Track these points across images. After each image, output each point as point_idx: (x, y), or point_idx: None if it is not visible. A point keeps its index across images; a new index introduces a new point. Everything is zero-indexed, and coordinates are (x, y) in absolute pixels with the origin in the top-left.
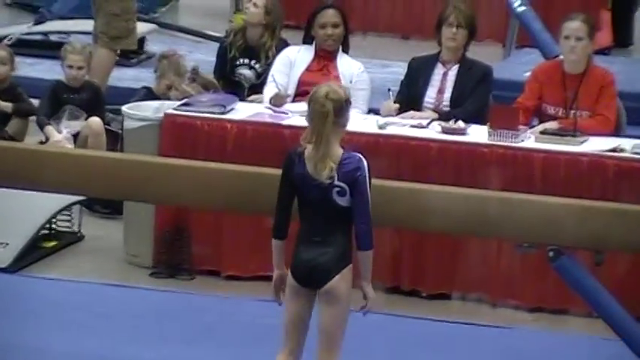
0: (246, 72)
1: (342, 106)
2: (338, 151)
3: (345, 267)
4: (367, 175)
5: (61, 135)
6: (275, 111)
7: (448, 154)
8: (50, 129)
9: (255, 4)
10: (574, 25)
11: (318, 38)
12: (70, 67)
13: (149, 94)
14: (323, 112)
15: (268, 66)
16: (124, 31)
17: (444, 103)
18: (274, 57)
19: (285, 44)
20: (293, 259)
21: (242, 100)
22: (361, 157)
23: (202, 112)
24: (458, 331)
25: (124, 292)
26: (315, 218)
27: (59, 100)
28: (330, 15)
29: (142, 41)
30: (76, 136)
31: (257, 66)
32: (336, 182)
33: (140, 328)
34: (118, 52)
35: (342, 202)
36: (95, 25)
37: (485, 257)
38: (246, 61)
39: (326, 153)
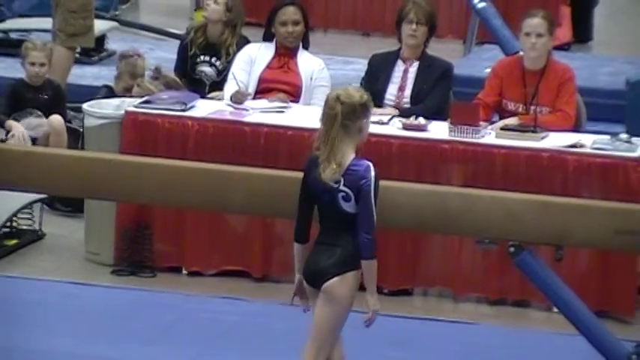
0: (206, 69)
1: (353, 110)
2: (348, 156)
3: (349, 271)
4: (373, 184)
5: (22, 128)
6: (236, 108)
7: (409, 151)
8: (10, 122)
9: (215, 1)
10: (534, 22)
11: (278, 35)
12: (32, 64)
13: (110, 93)
14: (331, 115)
15: (229, 63)
16: (81, 28)
17: (404, 100)
18: (235, 54)
19: (245, 41)
20: (305, 263)
21: (203, 97)
22: (370, 165)
23: (163, 110)
24: (420, 327)
25: (86, 290)
26: (326, 222)
27: (20, 99)
28: (290, 12)
29: (102, 39)
30: (36, 139)
31: (218, 63)
32: (341, 187)
33: (102, 326)
34: (78, 49)
35: (348, 207)
36: (53, 23)
37: (446, 253)
38: (207, 58)
39: (331, 155)
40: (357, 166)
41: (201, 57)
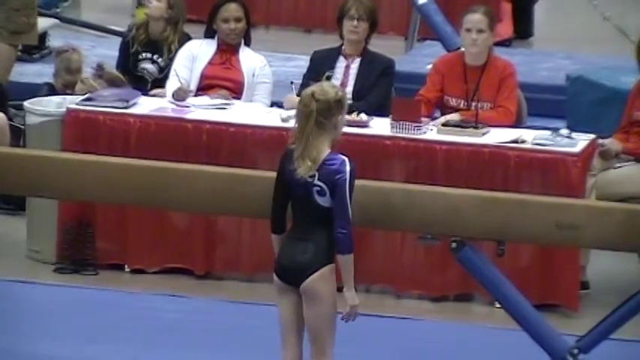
0: (148, 66)
1: (328, 107)
2: (323, 152)
3: (325, 266)
4: (348, 178)
5: None
6: (178, 105)
7: (351, 147)
8: None
9: None
10: (475, 18)
11: (220, 32)
12: None
13: (51, 91)
14: (306, 111)
15: (171, 60)
16: (24, 26)
17: (346, 96)
18: (177, 51)
19: (187, 38)
20: (276, 256)
21: (145, 94)
22: (346, 160)
23: (105, 107)
24: (362, 323)
25: (28, 288)
26: (299, 216)
27: None
28: (232, 9)
29: (43, 36)
30: None
31: (160, 60)
32: (316, 182)
33: (45, 325)
34: (20, 47)
35: (322, 201)
36: None
37: (388, 249)
38: (149, 55)
39: (305, 151)
40: (333, 161)
41: (143, 54)
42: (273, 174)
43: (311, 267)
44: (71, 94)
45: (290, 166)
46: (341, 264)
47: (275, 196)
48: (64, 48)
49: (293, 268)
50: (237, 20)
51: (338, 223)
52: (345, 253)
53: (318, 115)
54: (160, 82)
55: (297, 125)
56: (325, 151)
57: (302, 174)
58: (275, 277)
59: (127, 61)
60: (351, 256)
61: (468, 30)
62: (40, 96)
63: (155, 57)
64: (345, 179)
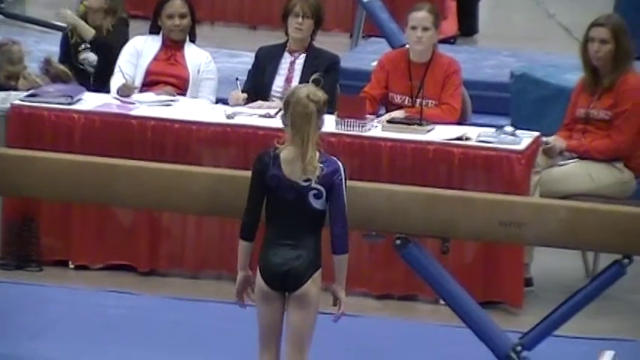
0: (89, 55)
1: (321, 108)
2: (315, 154)
3: (316, 271)
4: (344, 178)
5: None
6: (122, 101)
7: None
8: None
9: None
10: (420, 15)
11: (165, 28)
12: None
13: None
14: (307, 114)
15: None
16: None
17: None
18: (115, 35)
19: (124, 23)
20: (262, 263)
21: (89, 89)
22: (339, 160)
23: (49, 103)
24: None
25: None
26: (286, 221)
27: None
28: (177, 5)
29: None
30: None
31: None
32: (314, 185)
33: None
34: None
35: (317, 205)
36: None
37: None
38: (88, 45)
39: (301, 154)
40: (328, 163)
41: (82, 45)
42: (218, 170)
43: (306, 273)
44: (15, 88)
45: (274, 172)
46: (336, 264)
47: (252, 201)
48: (3, 41)
49: (288, 275)
50: (182, 16)
51: (336, 223)
52: (342, 253)
53: (316, 117)
54: (102, 77)
55: (293, 129)
56: (316, 153)
57: (298, 176)
58: (262, 284)
59: (68, 54)
60: (346, 256)
61: (414, 28)
62: None
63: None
64: (342, 179)
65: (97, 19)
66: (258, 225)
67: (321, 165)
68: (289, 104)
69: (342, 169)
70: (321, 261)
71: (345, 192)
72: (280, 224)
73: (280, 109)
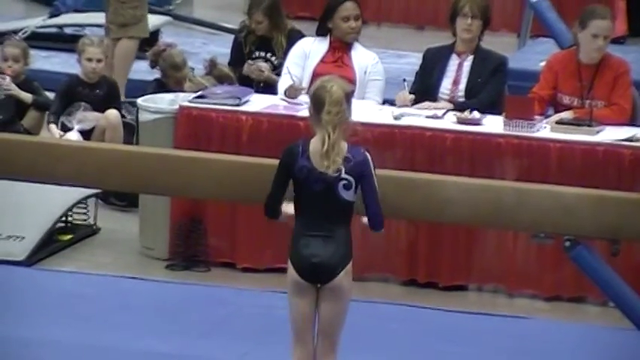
0: (262, 65)
1: (349, 99)
2: (344, 145)
3: (349, 263)
4: (373, 167)
5: (61, 132)
6: (290, 102)
7: (463, 145)
8: (52, 127)
9: None
10: (605, 25)
11: (339, 30)
12: (89, 60)
13: (161, 87)
14: (342, 110)
15: (283, 57)
16: (130, 18)
17: (459, 94)
18: (288, 47)
19: (297, 33)
20: (293, 255)
21: (257, 92)
22: (362, 149)
23: (217, 104)
24: (474, 322)
25: (140, 284)
26: (316, 212)
27: (74, 96)
28: (351, 8)
29: (156, 34)
30: (90, 132)
31: (273, 59)
32: (343, 175)
33: (156, 321)
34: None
35: (347, 195)
36: (106, 17)
37: (501, 248)
38: (262, 54)
39: (331, 148)
40: (355, 153)
41: (257, 52)
42: (385, 171)
43: (341, 265)
44: (182, 91)
45: (303, 163)
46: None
47: (275, 187)
48: (160, 48)
49: (320, 267)
50: (357, 18)
51: (371, 206)
52: (380, 229)
53: (343, 107)
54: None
55: (324, 122)
56: (345, 144)
57: (329, 169)
58: (295, 276)
59: (241, 60)
60: (383, 232)
61: (595, 36)
62: (148, 92)
63: (269, 55)
64: (371, 167)
65: (264, 28)
66: (281, 203)
67: (349, 155)
68: (317, 95)
69: (369, 158)
70: (352, 252)
71: (375, 180)
72: (310, 216)
73: (448, 110)
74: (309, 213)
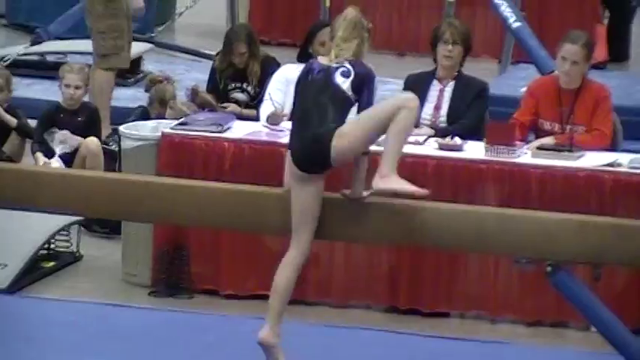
0: (239, 95)
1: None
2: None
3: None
4: (374, 82)
5: (46, 159)
6: (272, 129)
7: (445, 171)
8: (38, 155)
9: None
10: (573, 50)
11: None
12: (68, 86)
13: (145, 114)
14: (353, 20)
15: (259, 87)
16: (111, 48)
17: (440, 120)
18: (264, 74)
19: (271, 59)
20: (290, 147)
21: (238, 118)
22: (372, 69)
23: (199, 131)
24: (456, 347)
25: (123, 311)
26: (310, 102)
27: (54, 123)
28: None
29: (138, 61)
30: (73, 155)
31: (249, 88)
32: (344, 64)
33: (139, 348)
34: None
35: (342, 84)
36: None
37: (482, 273)
38: (238, 84)
39: (343, 47)
40: (360, 65)
41: (232, 84)
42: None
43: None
44: (163, 118)
45: (314, 64)
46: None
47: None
48: (158, 77)
49: (314, 137)
50: None
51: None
52: None
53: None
54: (250, 107)
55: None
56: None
57: (332, 58)
58: (293, 167)
59: (217, 87)
60: None
61: (564, 59)
62: (132, 119)
63: (244, 85)
64: (372, 82)
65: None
66: None
67: (350, 64)
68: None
69: (373, 73)
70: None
71: (374, 95)
72: (305, 108)
73: (429, 136)
74: (305, 106)
